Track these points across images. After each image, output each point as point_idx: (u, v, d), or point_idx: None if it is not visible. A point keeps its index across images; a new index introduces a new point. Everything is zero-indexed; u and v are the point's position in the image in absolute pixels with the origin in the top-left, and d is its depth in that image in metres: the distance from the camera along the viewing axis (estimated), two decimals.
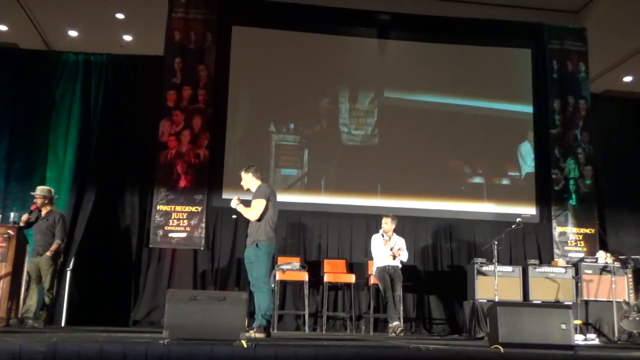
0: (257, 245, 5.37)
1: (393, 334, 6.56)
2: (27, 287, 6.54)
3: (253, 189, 5.58)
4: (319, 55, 8.84)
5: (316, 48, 8.84)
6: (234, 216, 5.68)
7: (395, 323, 6.62)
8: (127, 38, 9.26)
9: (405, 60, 9.18)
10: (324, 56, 8.85)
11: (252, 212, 5.43)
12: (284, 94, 8.67)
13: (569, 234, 8.53)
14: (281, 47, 8.72)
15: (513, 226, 7.24)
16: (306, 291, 7.46)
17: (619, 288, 7.37)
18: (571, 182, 8.65)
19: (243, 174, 5.69)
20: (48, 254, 6.45)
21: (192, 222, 7.87)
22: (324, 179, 8.63)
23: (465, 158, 8.78)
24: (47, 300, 6.51)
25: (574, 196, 8.62)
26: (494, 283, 7.11)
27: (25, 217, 6.55)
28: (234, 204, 5.55)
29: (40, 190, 6.67)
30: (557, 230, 8.52)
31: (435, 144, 8.80)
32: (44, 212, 6.63)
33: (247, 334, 4.70)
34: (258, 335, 5.06)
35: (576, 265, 7.71)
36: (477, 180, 8.74)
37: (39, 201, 6.58)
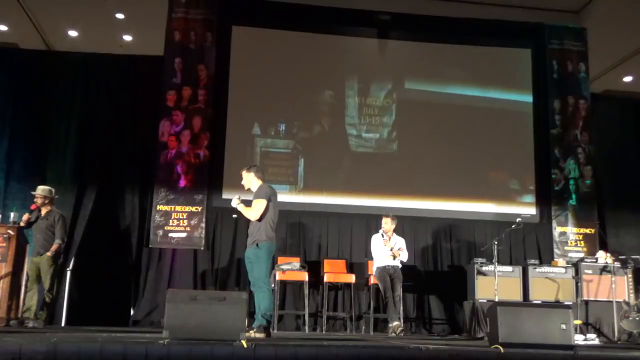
0: (257, 245, 5.38)
1: (393, 334, 6.56)
2: (27, 287, 6.53)
3: (254, 189, 5.57)
4: (320, 55, 8.76)
5: (317, 48, 8.78)
6: (234, 215, 5.67)
7: (395, 323, 6.62)
8: (127, 38, 9.26)
9: (427, 47, 8.62)
10: (325, 55, 8.76)
11: (253, 212, 5.43)
12: (284, 94, 8.57)
13: (569, 234, 8.53)
14: (281, 47, 8.69)
15: (513, 226, 7.24)
16: (306, 291, 7.46)
17: (619, 288, 7.36)
18: (571, 182, 8.65)
19: (244, 173, 5.67)
20: (48, 254, 6.45)
21: (192, 222, 7.87)
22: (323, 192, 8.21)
23: (465, 158, 8.71)
24: (47, 300, 6.50)
25: (574, 196, 8.61)
26: (494, 283, 7.11)
27: (25, 216, 6.55)
28: (235, 203, 5.52)
29: (40, 190, 6.67)
30: (557, 230, 8.52)
31: (438, 143, 8.65)
32: (44, 211, 6.62)
33: (247, 334, 4.70)
34: (258, 335, 5.06)
35: (576, 265, 7.70)
36: (478, 180, 8.70)
37: (39, 201, 6.58)
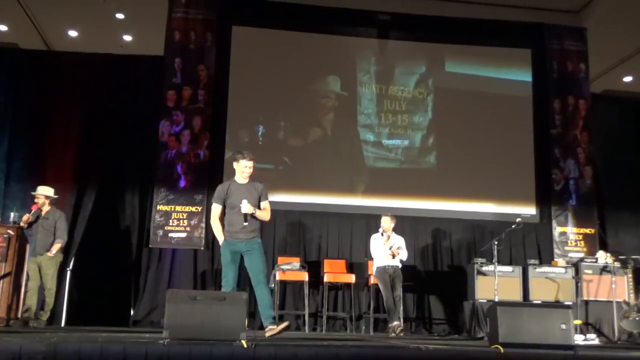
0: (260, 238, 5.33)
1: (393, 334, 6.56)
2: (27, 287, 6.53)
3: (245, 180, 5.29)
4: (322, 53, 8.61)
5: (318, 47, 8.66)
6: (245, 223, 5.19)
7: (395, 323, 6.62)
8: (127, 38, 9.25)
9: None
10: (329, 53, 8.57)
11: (269, 214, 5.31)
12: (285, 94, 8.48)
13: (569, 234, 8.53)
14: (281, 47, 8.67)
15: (513, 226, 7.23)
16: (306, 291, 7.46)
17: (619, 288, 7.36)
18: (571, 182, 8.65)
19: (253, 164, 5.27)
20: (49, 253, 6.46)
21: (192, 222, 7.87)
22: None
23: (465, 158, 8.62)
24: (47, 300, 6.50)
25: (573, 196, 8.61)
26: (494, 283, 7.10)
27: (26, 217, 6.56)
28: (250, 209, 5.12)
29: (41, 190, 6.68)
30: (557, 230, 8.52)
31: (458, 145, 8.31)
32: (44, 211, 6.64)
33: (270, 333, 4.81)
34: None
35: (576, 265, 7.70)
36: (478, 179, 8.65)
37: (40, 201, 6.59)
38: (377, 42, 8.53)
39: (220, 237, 5.26)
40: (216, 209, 5.27)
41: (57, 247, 6.53)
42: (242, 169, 5.23)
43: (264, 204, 5.32)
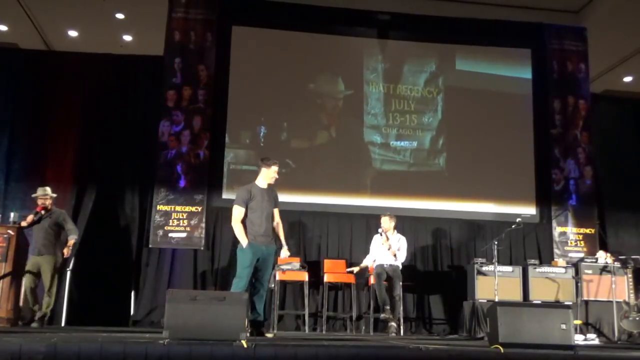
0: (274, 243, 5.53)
1: (393, 334, 6.57)
2: (25, 286, 6.50)
3: (265, 185, 5.57)
4: (324, 54, 8.58)
5: (319, 46, 8.64)
6: (289, 267, 5.86)
7: (387, 308, 6.65)
8: (127, 38, 9.27)
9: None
10: (330, 54, 8.55)
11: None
12: (285, 94, 8.46)
13: (569, 234, 8.53)
14: (281, 47, 8.66)
15: (513, 226, 7.24)
16: (306, 291, 7.46)
17: (619, 288, 7.36)
18: (571, 182, 8.65)
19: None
20: (66, 250, 6.51)
21: (192, 222, 7.87)
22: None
23: (465, 158, 8.63)
24: (47, 299, 6.49)
25: (574, 196, 8.62)
26: (494, 283, 7.11)
27: (29, 218, 6.56)
28: (287, 254, 5.59)
29: (44, 190, 6.67)
30: (557, 230, 8.52)
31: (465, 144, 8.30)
32: (47, 211, 6.64)
33: (271, 334, 5.04)
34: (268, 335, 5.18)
35: (576, 265, 7.71)
36: (478, 179, 8.65)
37: (47, 202, 6.60)
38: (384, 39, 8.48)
39: (244, 239, 5.38)
40: (240, 211, 5.43)
41: (71, 242, 6.56)
42: (273, 174, 5.52)
43: (276, 212, 5.58)
